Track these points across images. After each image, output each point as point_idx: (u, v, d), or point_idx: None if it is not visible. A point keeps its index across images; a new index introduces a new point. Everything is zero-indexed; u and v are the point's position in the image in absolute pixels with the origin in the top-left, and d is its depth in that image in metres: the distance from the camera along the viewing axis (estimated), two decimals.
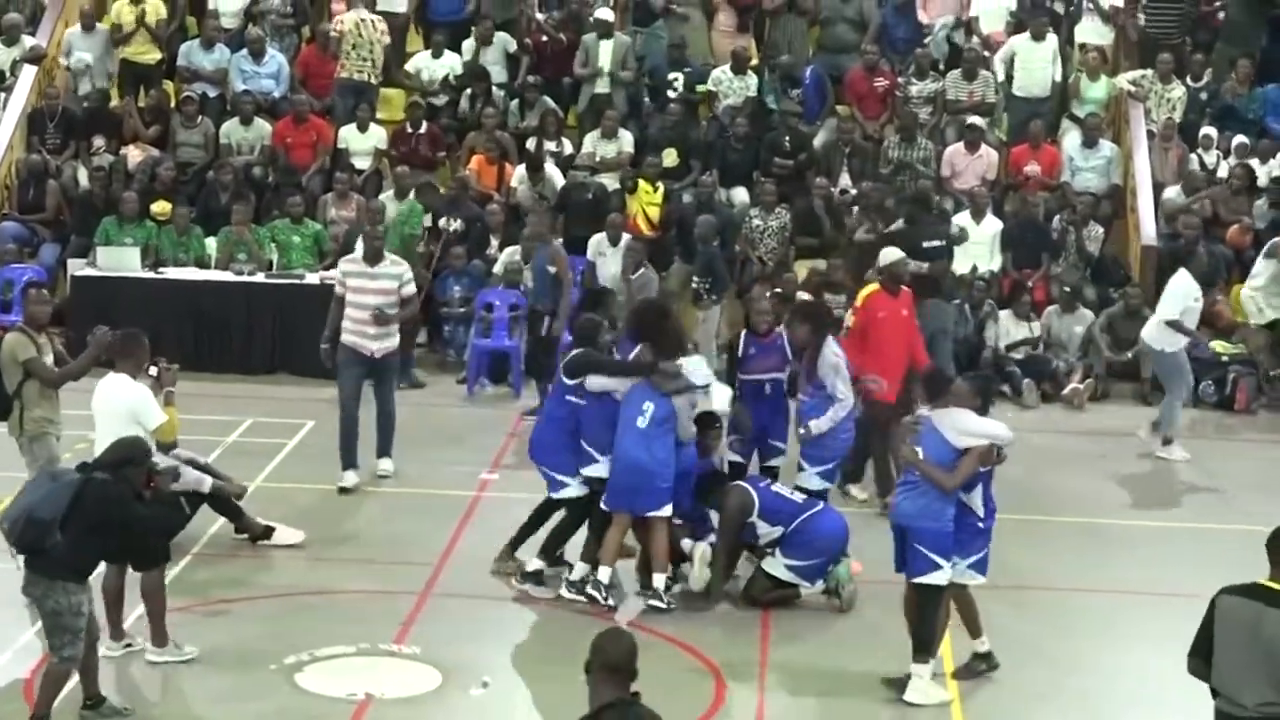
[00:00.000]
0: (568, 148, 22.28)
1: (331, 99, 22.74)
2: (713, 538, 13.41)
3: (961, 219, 20.73)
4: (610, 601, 12.99)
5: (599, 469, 13.10)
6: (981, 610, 11.92)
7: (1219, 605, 8.35)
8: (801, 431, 13.78)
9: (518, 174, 21.67)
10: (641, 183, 21.36)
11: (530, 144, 22.05)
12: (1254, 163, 21.87)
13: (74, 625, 10.48)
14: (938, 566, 11.42)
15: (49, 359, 12.90)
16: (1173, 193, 21.58)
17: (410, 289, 15.67)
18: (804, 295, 17.09)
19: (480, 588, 13.41)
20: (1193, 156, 22.03)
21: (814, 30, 23.65)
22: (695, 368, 13.28)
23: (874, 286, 15.43)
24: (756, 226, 21.05)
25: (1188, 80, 22.70)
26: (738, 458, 14.06)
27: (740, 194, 21.86)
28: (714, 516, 13.38)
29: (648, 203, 21.32)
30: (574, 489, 13.25)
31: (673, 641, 12.50)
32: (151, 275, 20.16)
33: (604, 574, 13.06)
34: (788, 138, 22.03)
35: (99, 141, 22.26)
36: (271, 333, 19.84)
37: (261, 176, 22.02)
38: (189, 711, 11.58)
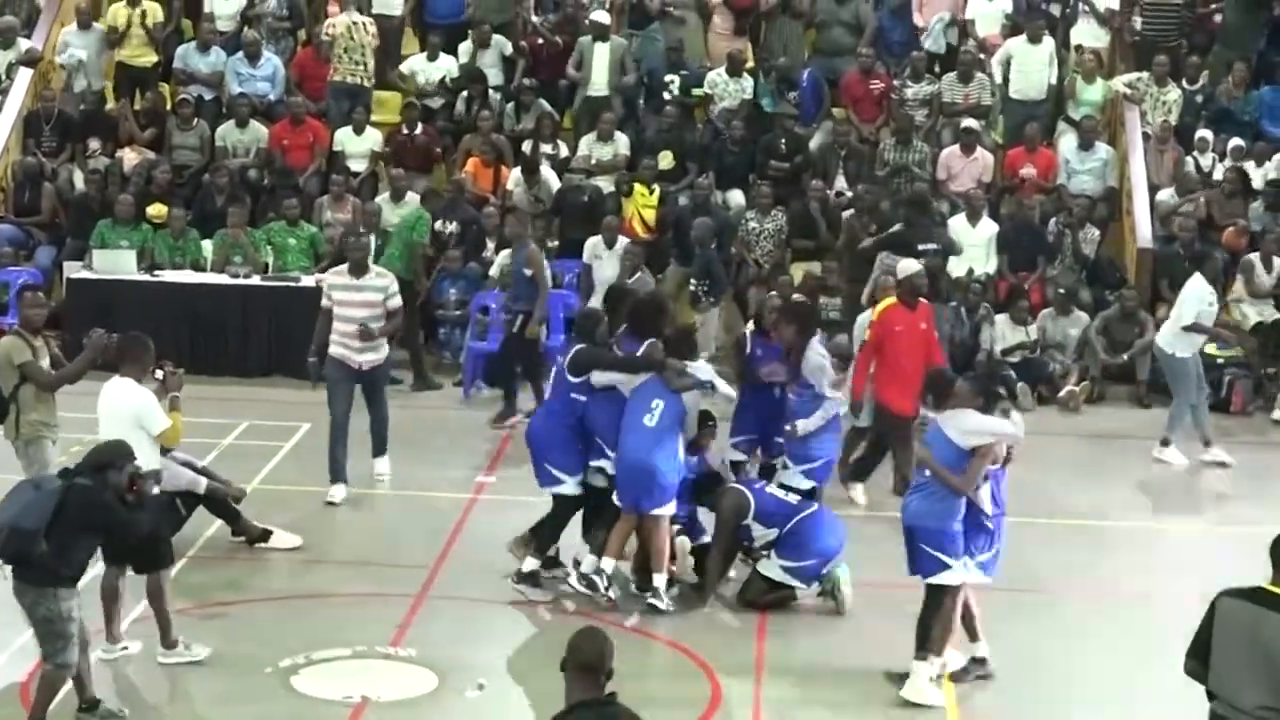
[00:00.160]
0: (563, 150, 22.29)
1: (325, 102, 22.74)
2: (705, 538, 13.43)
3: (957, 222, 20.73)
4: (612, 593, 12.99)
5: (611, 465, 13.12)
6: (978, 614, 11.91)
7: (1219, 608, 8.34)
8: (788, 429, 13.78)
9: (513, 177, 21.67)
10: (637, 186, 21.38)
11: (526, 147, 22.04)
12: (1249, 165, 21.88)
13: (66, 631, 10.47)
14: (946, 566, 11.45)
15: (45, 362, 12.90)
16: (1166, 195, 21.59)
17: (396, 301, 15.43)
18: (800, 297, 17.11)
19: (476, 590, 13.39)
20: (1189, 159, 22.04)
21: (809, 33, 23.65)
22: (699, 365, 13.33)
23: (891, 300, 15.30)
24: (752, 229, 21.05)
25: (1183, 83, 22.71)
26: (740, 456, 14.07)
27: (736, 196, 21.86)
28: (705, 516, 13.42)
29: (643, 205, 21.32)
30: (570, 486, 13.24)
31: (669, 644, 12.51)
32: (147, 278, 20.16)
33: (607, 564, 13.06)
34: (783, 140, 22.04)
35: (94, 144, 22.26)
36: (267, 335, 19.84)
37: (257, 179, 22.02)
38: (185, 714, 11.59)
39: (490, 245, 20.75)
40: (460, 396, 19.35)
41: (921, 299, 15.53)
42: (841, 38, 23.32)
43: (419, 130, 22.14)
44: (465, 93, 22.73)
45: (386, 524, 15.08)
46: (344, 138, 22.25)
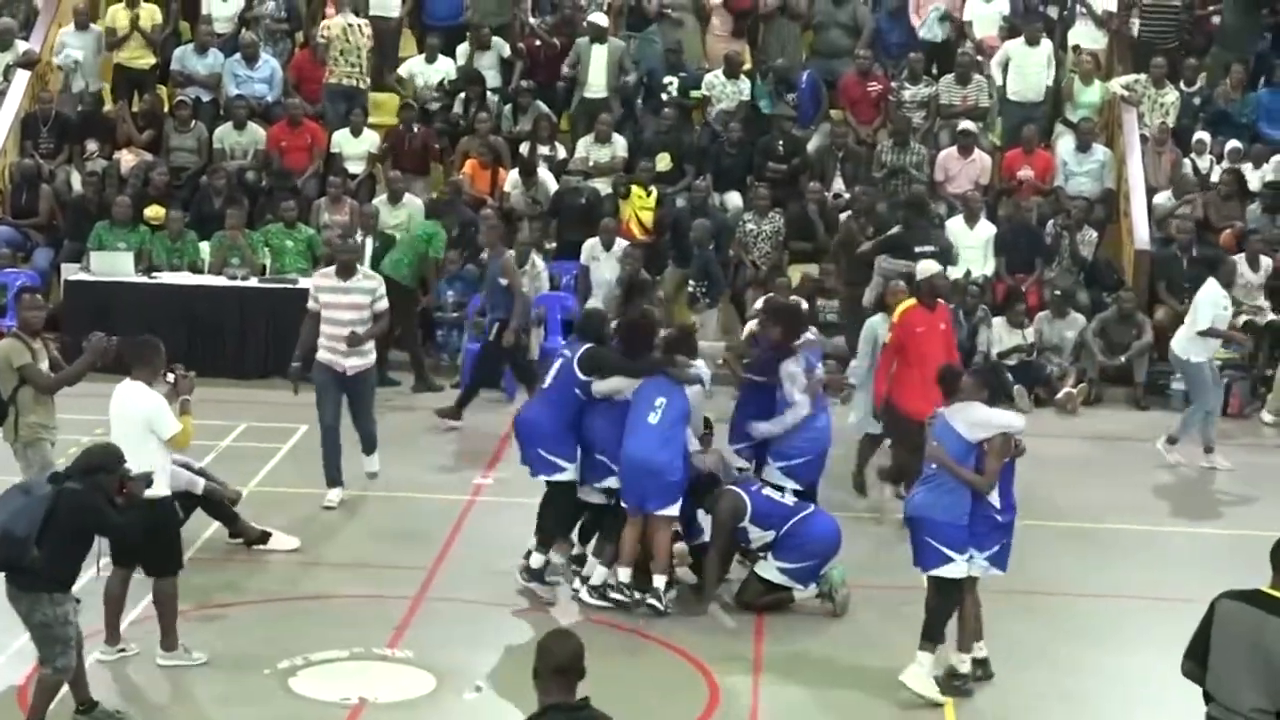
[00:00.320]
0: (561, 152, 22.30)
1: (322, 104, 22.74)
2: (702, 537, 13.44)
3: (955, 224, 20.74)
4: (638, 597, 12.99)
5: (614, 481, 13.11)
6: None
7: (1218, 609, 8.34)
8: (748, 427, 13.79)
9: (511, 179, 21.68)
10: (634, 188, 21.37)
11: (524, 148, 22.05)
12: (1247, 167, 21.88)
13: (64, 635, 10.47)
14: (949, 560, 11.48)
15: (44, 365, 12.89)
16: (1163, 198, 21.60)
17: (383, 304, 15.33)
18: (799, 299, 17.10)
19: (474, 592, 13.40)
20: (1186, 161, 22.05)
21: (807, 35, 23.66)
22: (698, 365, 13.37)
23: (910, 301, 15.23)
24: (750, 231, 21.06)
25: (1181, 85, 22.72)
26: (743, 462, 14.01)
27: (734, 198, 21.86)
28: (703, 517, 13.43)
29: (640, 207, 21.32)
30: (570, 473, 13.21)
31: (667, 645, 12.52)
32: (145, 280, 20.16)
33: (624, 574, 13.06)
34: (781, 142, 22.05)
35: (92, 146, 22.27)
36: (265, 337, 19.83)
37: (255, 181, 22.01)
38: (183, 716, 11.58)
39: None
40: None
41: (940, 300, 15.44)
42: (839, 39, 23.33)
43: (416, 132, 22.15)
44: (463, 94, 22.74)
45: (384, 526, 15.07)
46: (341, 140, 22.25)
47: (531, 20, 23.44)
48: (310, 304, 15.39)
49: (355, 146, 22.24)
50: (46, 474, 10.91)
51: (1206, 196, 21.59)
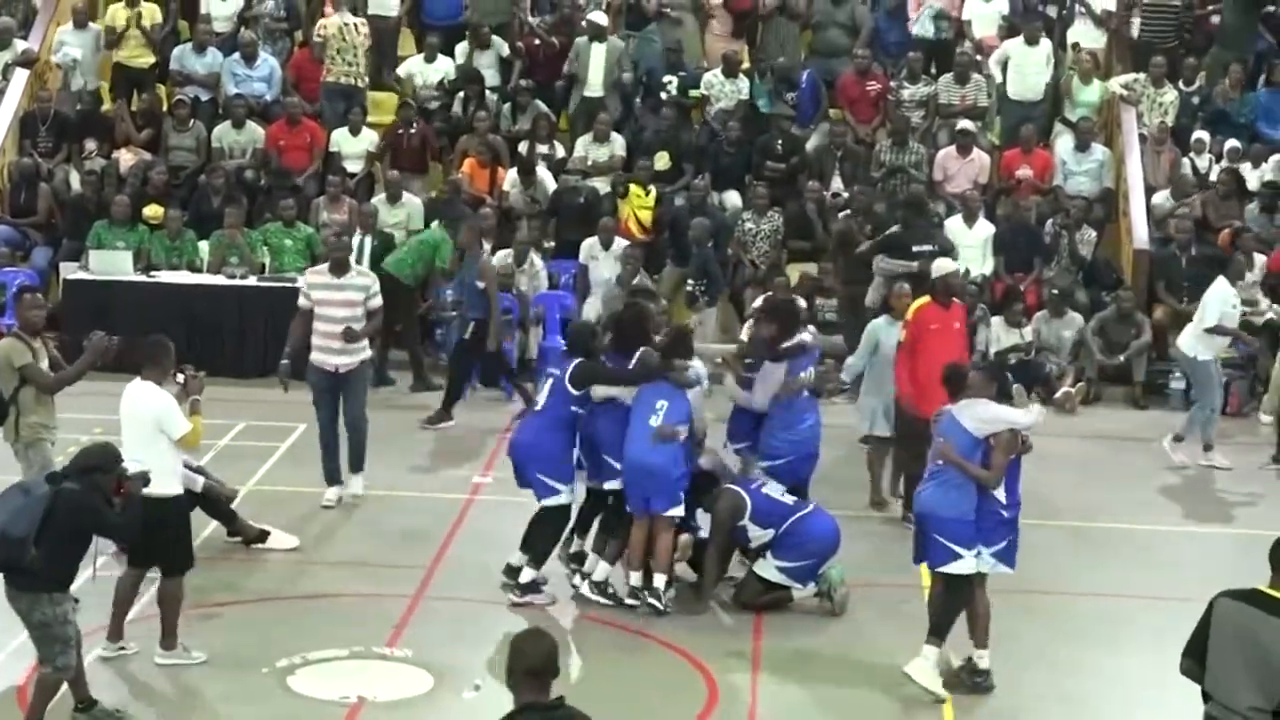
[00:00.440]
0: (560, 151, 22.30)
1: (320, 103, 22.74)
2: (700, 533, 13.44)
3: (953, 223, 20.73)
4: (644, 598, 13.01)
5: (618, 482, 13.11)
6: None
7: (1217, 609, 8.34)
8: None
9: (510, 177, 21.68)
10: (633, 187, 21.37)
11: (522, 148, 22.05)
12: (1245, 167, 21.89)
13: (63, 634, 10.48)
14: (958, 556, 11.50)
15: (44, 364, 12.88)
16: (1161, 197, 21.60)
17: (376, 301, 15.26)
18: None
19: (473, 591, 13.39)
20: (1185, 160, 22.05)
21: (805, 34, 23.65)
22: (695, 365, 13.37)
23: (925, 299, 15.19)
24: (749, 230, 21.06)
25: (1180, 84, 22.72)
26: (735, 460, 14.03)
27: (732, 197, 21.87)
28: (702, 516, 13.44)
29: (639, 206, 21.32)
30: (564, 496, 13.20)
31: (665, 644, 12.51)
32: (143, 279, 20.16)
33: (635, 579, 13.06)
34: (780, 141, 22.05)
35: (91, 145, 22.26)
36: (263, 336, 19.80)
37: (253, 180, 22.01)
38: (182, 714, 11.57)
39: (486, 246, 20.72)
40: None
41: (955, 299, 15.39)
42: (837, 39, 23.33)
43: (414, 131, 22.15)
44: (462, 93, 22.74)
45: (383, 525, 15.06)
46: (340, 138, 22.24)
47: (531, 19, 23.44)
48: (301, 301, 15.34)
49: (354, 145, 22.23)
50: (37, 479, 10.91)
51: (1205, 196, 21.60)
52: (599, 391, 13.15)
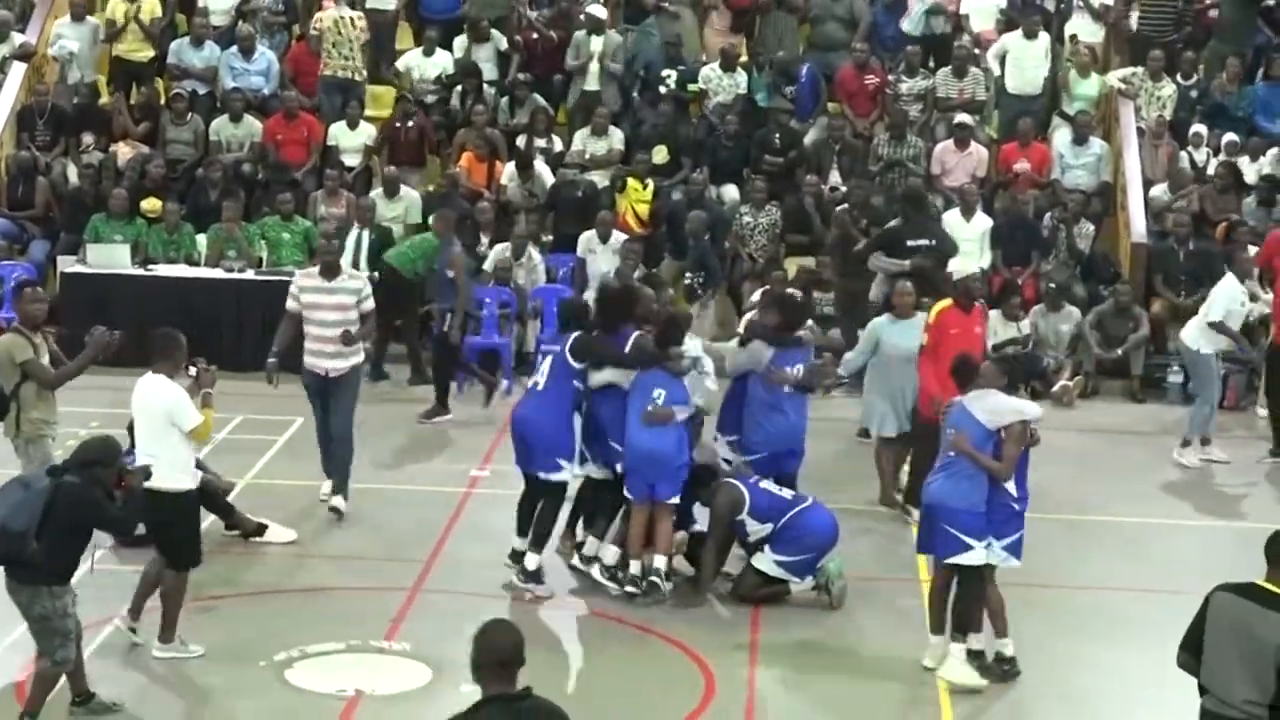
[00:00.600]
0: (558, 145, 22.30)
1: (318, 97, 22.73)
2: (696, 526, 13.45)
3: (951, 216, 20.71)
4: (651, 581, 13.03)
5: (618, 467, 13.16)
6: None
7: (1213, 602, 8.35)
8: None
9: (508, 171, 21.68)
10: (631, 180, 21.37)
11: (520, 141, 22.05)
12: (1243, 160, 21.89)
13: (63, 628, 10.49)
14: (968, 547, 11.52)
15: (45, 359, 12.87)
16: (1159, 191, 21.60)
17: (369, 304, 14.84)
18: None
19: (470, 584, 13.40)
20: (1183, 154, 22.06)
21: (804, 28, 23.66)
22: (689, 345, 13.40)
23: (946, 302, 15.16)
24: (747, 224, 21.06)
25: (1178, 78, 22.73)
26: (731, 455, 14.00)
27: (731, 191, 21.87)
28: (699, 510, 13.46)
29: (637, 200, 21.32)
30: (568, 472, 13.20)
31: (663, 637, 12.51)
32: (141, 272, 20.17)
33: (635, 567, 13.08)
34: (778, 135, 22.06)
35: (88, 138, 22.26)
36: (261, 330, 19.69)
37: (251, 174, 22.01)
38: (179, 708, 11.58)
39: (485, 240, 20.76)
40: (454, 390, 19.30)
41: (976, 302, 15.38)
42: (836, 33, 23.34)
43: (412, 124, 22.14)
44: (460, 87, 22.74)
45: (380, 518, 15.05)
46: (338, 132, 22.24)
47: (529, 13, 23.44)
48: (290, 303, 14.92)
49: (352, 139, 22.23)
50: (38, 473, 10.91)
51: (1203, 190, 21.60)
52: (597, 377, 13.16)
